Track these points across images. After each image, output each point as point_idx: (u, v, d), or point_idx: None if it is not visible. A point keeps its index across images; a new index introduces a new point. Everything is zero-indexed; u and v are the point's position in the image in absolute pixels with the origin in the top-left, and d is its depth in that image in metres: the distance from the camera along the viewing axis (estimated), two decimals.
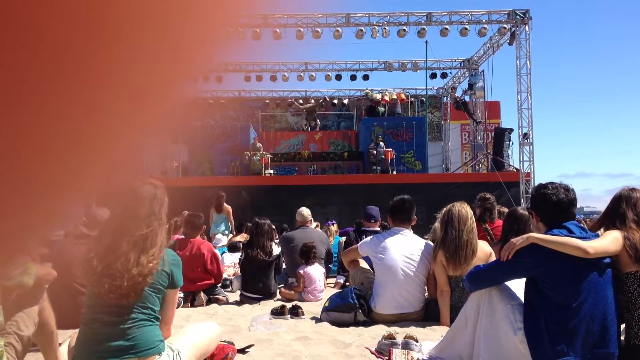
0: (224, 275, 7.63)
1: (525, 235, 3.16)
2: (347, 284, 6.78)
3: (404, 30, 17.32)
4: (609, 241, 3.10)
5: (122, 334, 2.70)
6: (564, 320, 2.95)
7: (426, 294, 5.06)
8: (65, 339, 3.37)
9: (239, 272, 6.96)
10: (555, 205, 3.21)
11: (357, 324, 4.77)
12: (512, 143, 18.22)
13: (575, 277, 2.97)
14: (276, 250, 6.55)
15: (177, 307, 5.76)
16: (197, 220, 6.55)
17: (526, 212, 5.20)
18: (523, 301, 3.19)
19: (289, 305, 5.36)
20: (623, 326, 3.15)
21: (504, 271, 3.23)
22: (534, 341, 2.98)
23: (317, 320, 4.98)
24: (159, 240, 2.80)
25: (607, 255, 3.06)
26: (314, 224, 8.92)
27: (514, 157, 17.93)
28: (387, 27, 17.33)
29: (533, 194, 3.50)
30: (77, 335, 2.86)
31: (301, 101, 22.87)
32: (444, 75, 22.27)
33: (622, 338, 3.16)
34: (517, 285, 3.36)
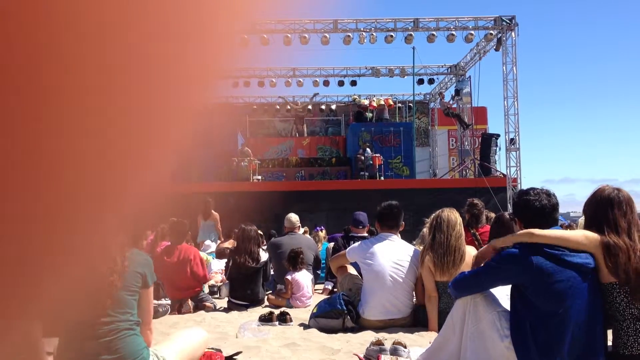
0: (212, 282, 7.60)
1: (526, 230, 3.13)
2: (335, 290, 6.76)
3: (392, 36, 17.39)
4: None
5: (105, 348, 2.67)
6: (550, 328, 2.95)
7: (414, 299, 5.06)
8: None
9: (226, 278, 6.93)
10: (539, 211, 3.23)
11: (345, 330, 4.77)
12: (499, 148, 18.35)
13: (559, 283, 2.97)
14: (264, 256, 6.54)
15: (164, 315, 5.73)
16: (181, 226, 6.55)
17: None
18: (508, 308, 3.19)
19: (277, 311, 5.34)
20: (609, 332, 3.14)
21: (488, 278, 3.24)
22: (521, 348, 2.99)
23: (305, 326, 4.97)
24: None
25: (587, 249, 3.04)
26: (302, 230, 8.90)
27: (501, 163, 18.05)
28: (374, 33, 17.39)
29: (515, 200, 3.52)
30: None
31: (288, 107, 22.81)
32: (431, 81, 22.35)
33: (609, 344, 3.16)
34: (502, 292, 3.38)
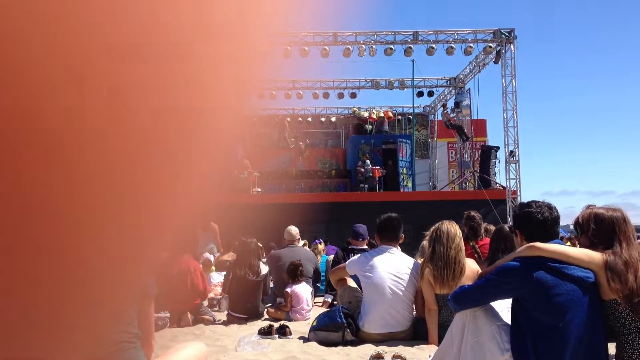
0: (211, 295, 7.57)
1: (529, 245, 3.13)
2: (335, 302, 6.75)
3: (391, 48, 17.46)
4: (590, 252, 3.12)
5: None
6: (551, 341, 2.94)
7: (414, 312, 5.05)
8: None
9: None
10: (540, 224, 3.23)
11: (345, 343, 4.75)
12: (499, 161, 18.37)
13: (560, 296, 2.97)
14: (264, 269, 6.52)
15: (163, 328, 5.70)
16: (181, 238, 6.52)
17: None
18: (508, 322, 3.19)
19: (276, 324, 5.32)
20: (610, 345, 3.14)
21: (489, 291, 3.23)
22: None
23: (305, 339, 4.96)
24: None
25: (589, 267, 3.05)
26: (301, 243, 8.89)
27: (500, 175, 18.06)
28: (374, 46, 17.46)
29: (516, 213, 3.52)
30: None
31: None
32: (430, 94, 22.42)
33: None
34: (502, 305, 3.37)
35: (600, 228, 3.19)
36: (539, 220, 3.24)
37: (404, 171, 19.14)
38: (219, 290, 8.02)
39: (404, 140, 19.74)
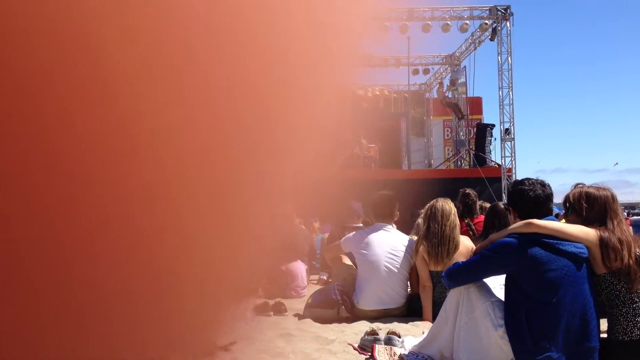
0: None
1: (525, 221, 3.16)
2: (330, 280, 6.77)
3: (386, 25, 17.30)
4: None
5: None
6: (545, 316, 2.96)
7: (409, 289, 5.07)
8: None
9: None
10: (533, 201, 3.25)
11: (340, 320, 4.77)
12: (495, 139, 18.35)
13: (553, 272, 2.99)
14: None
15: None
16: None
17: None
18: (501, 298, 3.21)
19: (271, 302, 5.34)
20: (602, 320, 3.17)
21: (482, 268, 3.25)
22: (516, 337, 3.00)
23: (300, 316, 4.97)
24: None
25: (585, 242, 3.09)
26: (297, 221, 8.89)
27: (496, 153, 18.06)
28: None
29: (510, 190, 3.58)
30: None
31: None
32: (426, 71, 22.26)
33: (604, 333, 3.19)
34: (495, 282, 3.39)
35: (592, 206, 3.25)
36: (531, 198, 3.26)
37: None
38: None
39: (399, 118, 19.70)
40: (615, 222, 3.17)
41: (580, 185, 3.41)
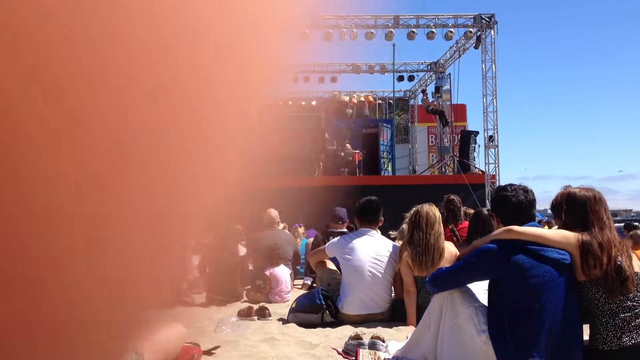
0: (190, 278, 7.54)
1: (505, 228, 3.16)
2: (314, 285, 6.77)
3: (372, 32, 17.39)
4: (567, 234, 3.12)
5: None
6: (527, 321, 2.97)
7: (393, 294, 5.08)
8: None
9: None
10: (515, 207, 3.27)
11: (324, 324, 4.77)
12: (479, 145, 18.49)
13: (535, 278, 3.00)
14: (242, 251, 6.52)
15: None
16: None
17: None
18: (485, 303, 3.22)
19: (255, 306, 5.33)
20: (585, 326, 3.16)
21: (465, 274, 3.27)
22: (499, 343, 3.00)
23: (284, 321, 4.97)
24: None
25: (565, 247, 3.07)
26: (281, 226, 8.88)
27: (479, 160, 18.18)
28: (354, 30, 17.36)
29: (493, 196, 3.59)
30: None
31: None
32: (411, 78, 22.37)
33: (586, 338, 3.18)
34: (479, 287, 3.40)
35: (571, 208, 3.20)
36: (513, 203, 3.28)
37: (385, 155, 19.18)
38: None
39: (384, 124, 19.76)
40: (597, 226, 3.07)
41: (567, 187, 3.35)
